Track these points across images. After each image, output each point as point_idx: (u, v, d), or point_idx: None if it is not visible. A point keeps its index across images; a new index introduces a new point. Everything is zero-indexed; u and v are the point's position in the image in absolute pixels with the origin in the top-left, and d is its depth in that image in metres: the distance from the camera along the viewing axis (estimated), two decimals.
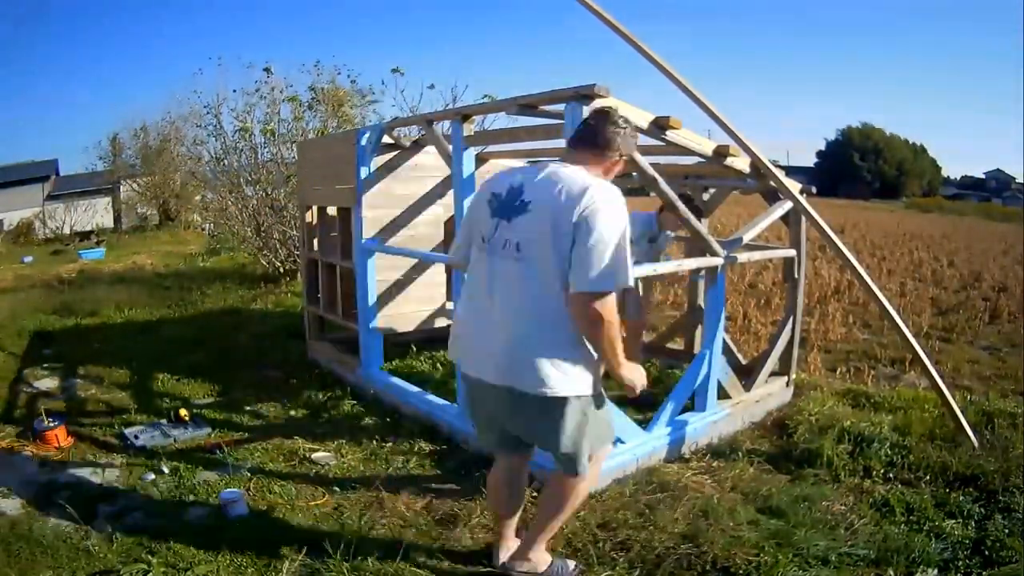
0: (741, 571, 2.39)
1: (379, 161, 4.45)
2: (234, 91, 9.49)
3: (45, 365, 5.37)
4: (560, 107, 2.95)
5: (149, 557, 2.48)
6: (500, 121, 7.26)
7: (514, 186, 2.11)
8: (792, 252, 4.22)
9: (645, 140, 3.34)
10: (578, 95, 2.79)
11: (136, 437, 3.68)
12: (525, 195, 2.08)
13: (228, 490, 2.98)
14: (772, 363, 4.18)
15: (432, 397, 4.07)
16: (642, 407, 4.08)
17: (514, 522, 2.49)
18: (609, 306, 1.98)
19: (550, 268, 2.00)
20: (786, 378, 4.27)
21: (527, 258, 2.04)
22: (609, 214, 1.98)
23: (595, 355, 2.09)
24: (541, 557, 2.42)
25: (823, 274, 9.31)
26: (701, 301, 4.54)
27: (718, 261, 3.58)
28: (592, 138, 2.17)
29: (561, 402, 2.07)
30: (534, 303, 2.04)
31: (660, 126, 3.17)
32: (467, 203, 3.38)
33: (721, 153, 3.57)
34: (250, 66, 9.46)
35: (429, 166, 4.58)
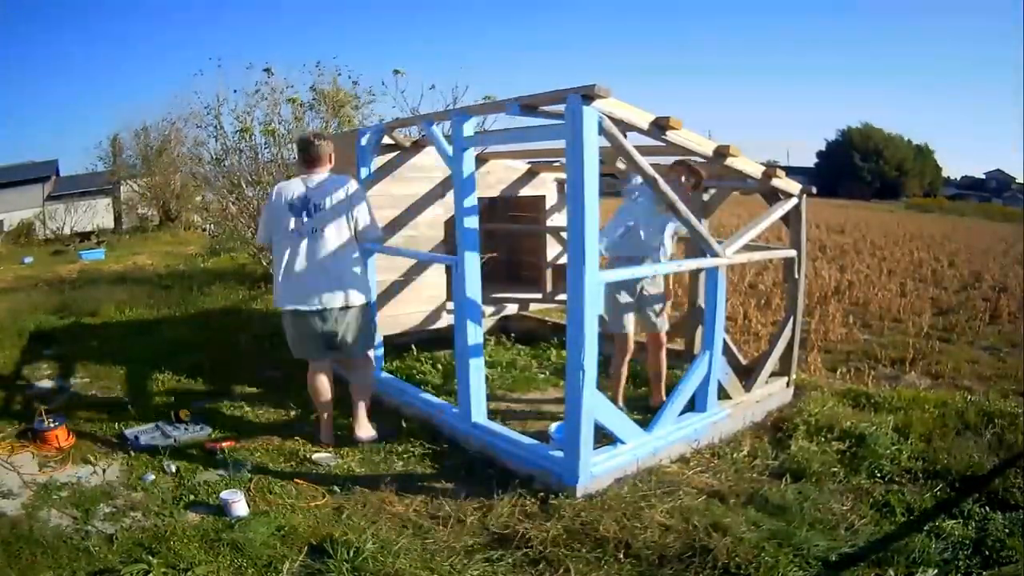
0: (742, 571, 2.39)
1: (379, 161, 4.45)
2: (234, 92, 9.45)
3: (46, 365, 5.38)
4: (561, 107, 2.94)
5: (149, 557, 2.48)
6: (500, 121, 7.26)
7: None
8: (792, 252, 4.22)
9: (645, 140, 3.34)
10: (579, 95, 2.79)
11: (136, 437, 3.68)
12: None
13: (228, 490, 2.98)
14: (772, 363, 4.18)
15: (432, 397, 4.07)
16: (643, 408, 4.11)
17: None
18: None
19: None
20: (786, 378, 4.26)
21: None
22: None
23: None
24: None
25: (823, 274, 9.32)
26: (701, 301, 4.54)
27: (718, 261, 3.58)
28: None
29: None
30: None
31: (660, 126, 3.17)
32: (467, 203, 3.39)
33: (721, 153, 3.57)
34: (250, 67, 9.43)
35: (429, 166, 4.58)
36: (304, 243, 3.39)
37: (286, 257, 3.42)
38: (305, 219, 3.40)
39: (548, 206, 5.57)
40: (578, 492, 2.95)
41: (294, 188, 3.45)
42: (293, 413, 4.18)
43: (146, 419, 4.01)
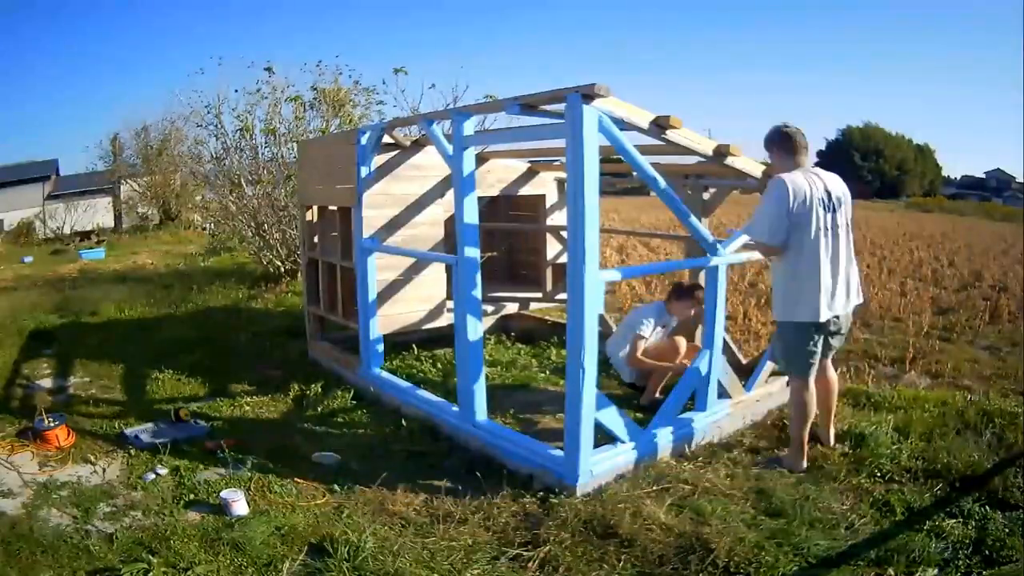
0: (742, 570, 2.39)
1: (379, 161, 4.45)
2: (235, 91, 9.47)
3: (45, 364, 5.38)
4: (560, 106, 2.94)
5: (149, 557, 2.48)
6: (500, 121, 7.26)
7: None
8: None
9: (645, 140, 3.34)
10: (579, 94, 2.78)
11: (137, 436, 3.68)
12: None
13: (228, 489, 2.98)
14: (772, 363, 4.16)
15: (432, 397, 4.07)
16: (642, 407, 4.11)
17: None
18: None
19: None
20: (786, 378, 4.25)
21: None
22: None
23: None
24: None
25: None
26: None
27: (718, 260, 3.58)
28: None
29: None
30: None
31: (660, 125, 3.17)
32: (467, 202, 3.38)
33: (721, 152, 3.57)
34: (251, 65, 9.46)
35: (429, 166, 4.58)
36: (835, 243, 3.12)
37: (821, 260, 3.08)
38: (835, 217, 3.14)
39: (548, 205, 5.57)
40: (578, 491, 2.95)
41: (814, 182, 3.13)
42: (293, 413, 4.18)
43: (146, 418, 4.01)
